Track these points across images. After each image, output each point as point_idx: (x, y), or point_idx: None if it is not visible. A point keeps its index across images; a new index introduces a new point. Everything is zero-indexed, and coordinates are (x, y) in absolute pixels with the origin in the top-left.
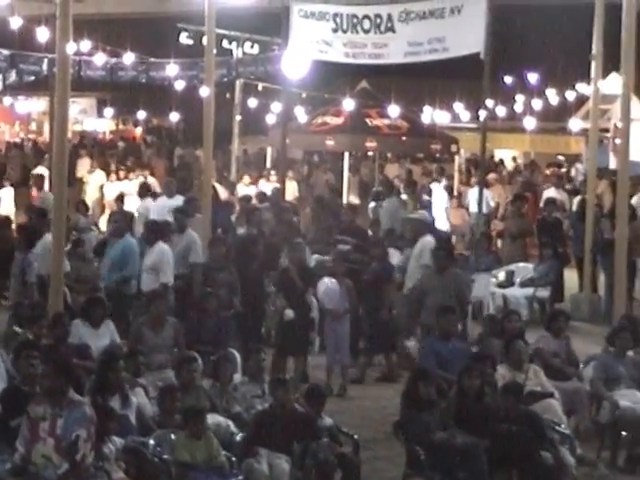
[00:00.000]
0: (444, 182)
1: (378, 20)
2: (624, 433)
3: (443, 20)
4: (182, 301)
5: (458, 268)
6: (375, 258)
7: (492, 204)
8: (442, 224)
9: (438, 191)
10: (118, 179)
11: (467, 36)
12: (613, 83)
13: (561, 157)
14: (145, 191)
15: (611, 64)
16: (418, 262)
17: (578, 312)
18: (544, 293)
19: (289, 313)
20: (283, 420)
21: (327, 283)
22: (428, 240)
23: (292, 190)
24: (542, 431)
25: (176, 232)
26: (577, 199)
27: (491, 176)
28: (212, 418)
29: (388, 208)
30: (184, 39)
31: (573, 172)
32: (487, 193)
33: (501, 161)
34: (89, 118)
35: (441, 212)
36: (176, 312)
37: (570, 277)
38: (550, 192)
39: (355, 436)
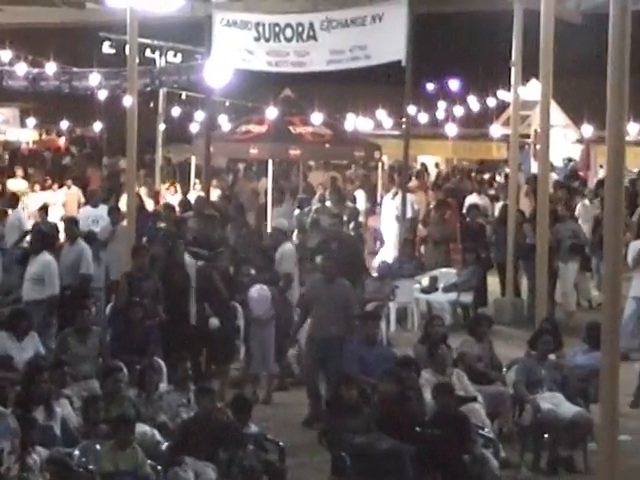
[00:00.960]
0: (393, 190)
1: (300, 28)
2: (546, 435)
3: (365, 28)
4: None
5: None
6: (261, 267)
7: (416, 207)
8: (392, 233)
9: (386, 200)
10: (42, 189)
11: (389, 43)
12: (533, 89)
13: (465, 163)
14: (15, 201)
15: (531, 71)
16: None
17: (501, 316)
18: (467, 298)
19: (214, 321)
20: (209, 428)
21: (259, 290)
22: (287, 248)
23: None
24: (469, 434)
25: (67, 242)
26: (499, 204)
27: (413, 182)
28: (138, 427)
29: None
30: (107, 48)
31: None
32: (411, 199)
33: (424, 166)
34: (12, 128)
35: (392, 221)
36: (62, 323)
37: (493, 282)
38: (472, 198)
39: (281, 443)
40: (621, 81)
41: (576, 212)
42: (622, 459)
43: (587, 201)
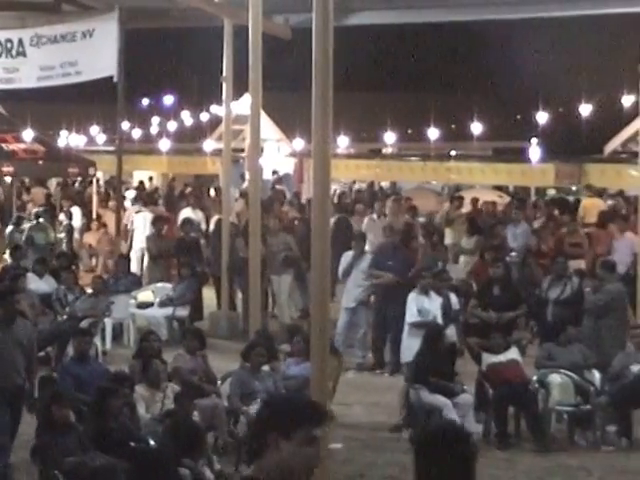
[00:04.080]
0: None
1: (9, 45)
2: None
3: (75, 44)
4: None
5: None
6: None
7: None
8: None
9: (77, 215)
10: None
11: (100, 59)
12: (246, 104)
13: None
14: None
15: (245, 85)
16: None
17: (217, 329)
18: (183, 312)
19: None
20: None
21: None
22: None
23: None
24: (201, 446)
25: None
26: (215, 218)
27: (131, 196)
28: None
29: None
30: None
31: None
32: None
33: (141, 182)
34: None
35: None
36: None
37: (209, 295)
38: (186, 212)
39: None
40: (325, 95)
41: (363, 226)
42: (335, 467)
43: (375, 215)
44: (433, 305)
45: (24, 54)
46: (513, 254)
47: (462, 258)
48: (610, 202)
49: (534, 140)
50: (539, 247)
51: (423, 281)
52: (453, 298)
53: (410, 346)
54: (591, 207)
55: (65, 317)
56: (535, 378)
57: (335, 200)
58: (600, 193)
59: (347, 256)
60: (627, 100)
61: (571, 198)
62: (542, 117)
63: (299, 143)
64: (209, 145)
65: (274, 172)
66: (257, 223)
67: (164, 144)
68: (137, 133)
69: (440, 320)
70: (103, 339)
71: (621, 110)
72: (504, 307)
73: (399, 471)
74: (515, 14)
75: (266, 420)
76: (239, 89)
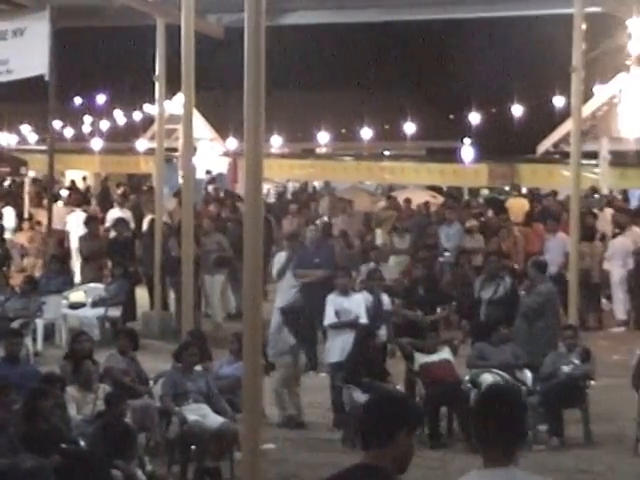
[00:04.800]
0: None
1: None
2: (193, 447)
3: (6, 42)
4: None
5: None
6: None
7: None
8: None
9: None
10: None
11: (31, 58)
12: (179, 103)
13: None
14: None
15: (178, 85)
16: None
17: (149, 329)
18: (115, 312)
19: None
20: None
21: None
22: None
23: None
24: (132, 447)
25: None
26: (148, 218)
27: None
28: None
29: None
30: None
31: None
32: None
33: (72, 182)
34: None
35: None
36: None
37: (141, 295)
38: (115, 212)
39: None
40: (257, 94)
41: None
42: (268, 467)
43: (325, 217)
44: (353, 304)
45: None
46: (447, 254)
47: (392, 258)
48: (544, 202)
49: (467, 140)
50: (499, 247)
51: (339, 281)
52: (385, 298)
53: (330, 348)
54: (516, 207)
55: None
56: (467, 377)
57: (273, 200)
58: (533, 193)
59: (280, 257)
60: (558, 101)
61: (504, 198)
62: (475, 117)
63: (232, 142)
64: (142, 144)
65: (207, 172)
66: (190, 223)
67: (96, 143)
68: (69, 132)
69: (364, 319)
70: (34, 340)
71: (553, 111)
72: (429, 307)
73: (333, 471)
74: (447, 14)
75: (398, 416)
76: (172, 88)
